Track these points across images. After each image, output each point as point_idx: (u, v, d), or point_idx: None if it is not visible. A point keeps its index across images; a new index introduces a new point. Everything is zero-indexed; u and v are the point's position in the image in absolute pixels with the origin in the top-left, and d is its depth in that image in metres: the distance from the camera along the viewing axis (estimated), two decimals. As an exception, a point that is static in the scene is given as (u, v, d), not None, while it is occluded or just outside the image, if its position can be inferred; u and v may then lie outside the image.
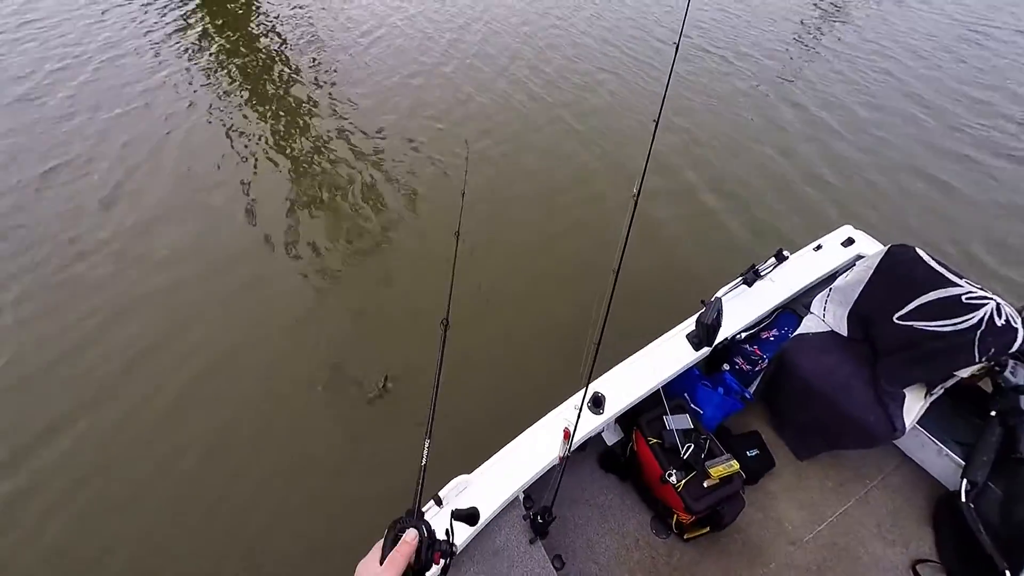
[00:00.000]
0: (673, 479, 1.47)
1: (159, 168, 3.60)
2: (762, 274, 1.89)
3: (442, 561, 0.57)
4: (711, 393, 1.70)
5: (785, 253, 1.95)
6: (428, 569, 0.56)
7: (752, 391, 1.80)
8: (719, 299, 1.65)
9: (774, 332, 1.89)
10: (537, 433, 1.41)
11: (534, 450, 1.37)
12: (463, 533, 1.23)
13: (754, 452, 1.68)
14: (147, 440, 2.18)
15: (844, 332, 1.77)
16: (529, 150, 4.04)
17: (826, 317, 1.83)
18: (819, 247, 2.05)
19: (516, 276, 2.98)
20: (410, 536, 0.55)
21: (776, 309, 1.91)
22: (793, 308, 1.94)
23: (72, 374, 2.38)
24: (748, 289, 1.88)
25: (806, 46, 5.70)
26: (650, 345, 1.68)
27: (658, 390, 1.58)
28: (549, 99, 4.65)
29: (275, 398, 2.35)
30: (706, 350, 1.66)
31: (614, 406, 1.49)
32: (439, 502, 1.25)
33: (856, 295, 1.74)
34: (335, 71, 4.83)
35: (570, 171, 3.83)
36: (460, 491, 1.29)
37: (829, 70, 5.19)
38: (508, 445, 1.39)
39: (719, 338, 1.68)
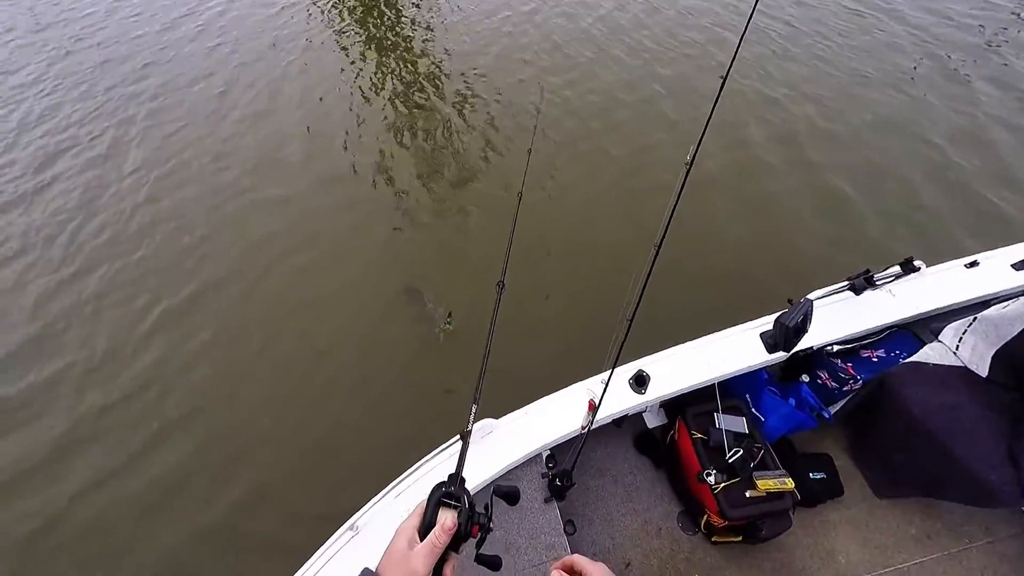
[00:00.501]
0: (711, 479, 1.38)
1: (276, 94, 4.15)
2: (878, 283, 1.58)
3: (479, 534, 0.55)
4: (779, 402, 1.52)
5: (917, 263, 1.59)
6: (465, 540, 0.55)
7: (833, 412, 1.57)
8: (810, 302, 1.43)
9: (880, 352, 1.59)
10: (569, 397, 1.39)
11: (563, 413, 1.36)
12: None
13: (820, 475, 1.49)
14: (258, 315, 2.68)
15: (983, 372, 1.42)
16: (618, 106, 3.79)
17: (960, 350, 1.48)
18: (974, 263, 1.63)
19: (584, 231, 2.93)
20: (449, 523, 0.52)
21: (890, 327, 1.59)
22: (915, 330, 1.60)
23: (208, 253, 3.00)
24: (854, 297, 1.59)
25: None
26: (715, 334, 1.53)
27: (713, 385, 1.46)
28: (645, 56, 4.25)
29: (356, 301, 2.69)
30: (781, 355, 1.46)
31: (658, 389, 1.41)
32: (465, 437, 1.27)
33: (1014, 333, 1.37)
34: (435, 14, 4.95)
35: (659, 132, 3.53)
36: (485, 434, 1.31)
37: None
38: (539, 401, 1.39)
39: (801, 345, 1.47)
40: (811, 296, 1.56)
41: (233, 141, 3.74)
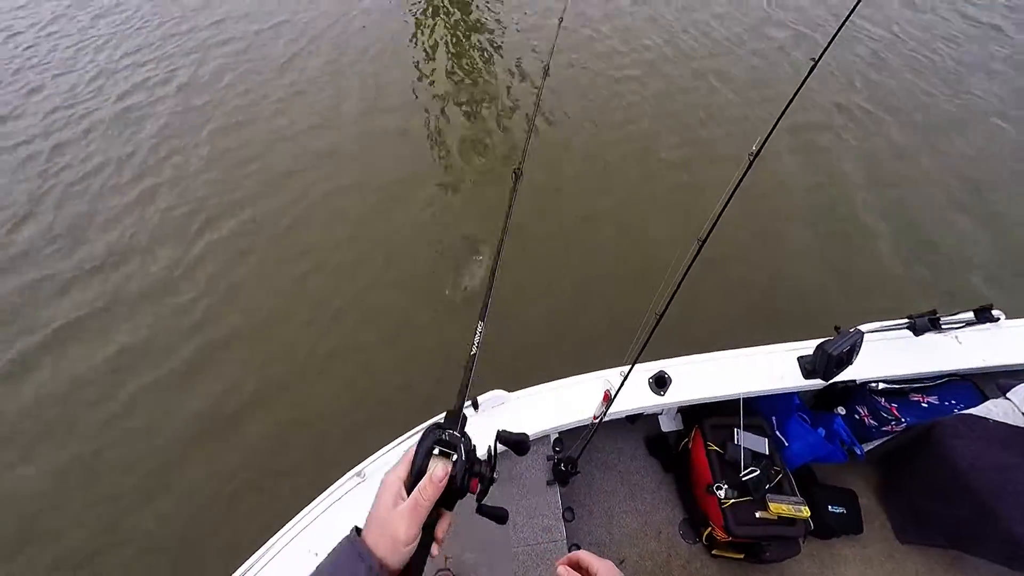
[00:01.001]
0: (721, 493, 1.37)
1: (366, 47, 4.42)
2: (943, 327, 1.46)
3: (479, 487, 0.46)
4: (807, 430, 1.46)
5: (996, 313, 1.45)
6: (462, 496, 0.46)
7: (867, 449, 1.49)
8: (860, 333, 1.35)
9: (932, 399, 1.48)
10: (586, 384, 1.38)
11: (577, 399, 1.35)
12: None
13: (839, 510, 1.43)
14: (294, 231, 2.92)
15: (1052, 436, 1.29)
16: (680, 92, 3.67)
17: (1029, 408, 1.34)
18: None
19: (635, 214, 2.89)
20: (438, 473, 0.43)
21: (949, 375, 1.48)
22: (978, 383, 1.48)
23: (257, 168, 3.29)
24: (912, 337, 1.48)
25: None
26: (748, 349, 1.48)
27: (738, 400, 1.42)
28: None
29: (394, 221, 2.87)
30: (817, 382, 1.40)
31: (679, 394, 1.39)
32: (476, 405, 1.28)
33: (1103, 398, 1.23)
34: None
35: (727, 125, 3.40)
36: (496, 404, 1.31)
37: None
38: (555, 382, 1.39)
39: (842, 376, 1.40)
40: (863, 328, 1.47)
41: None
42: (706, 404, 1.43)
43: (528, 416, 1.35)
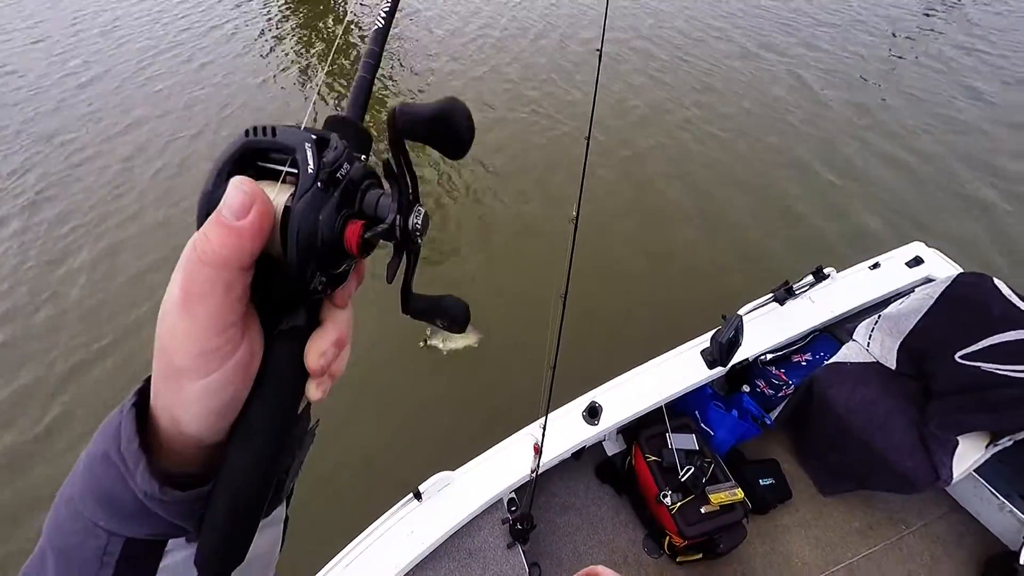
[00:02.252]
0: (668, 500, 1.45)
1: None
2: (797, 292, 1.75)
3: (362, 238, 0.22)
4: (723, 415, 1.63)
5: (827, 271, 1.78)
6: (332, 264, 0.22)
7: (774, 417, 1.69)
8: (739, 317, 1.57)
9: (807, 356, 1.75)
10: (517, 442, 1.42)
11: (514, 457, 1.39)
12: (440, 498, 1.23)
13: (768, 481, 1.58)
14: None
15: (891, 365, 1.59)
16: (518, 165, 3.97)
17: (871, 346, 1.65)
18: (876, 265, 1.84)
19: (499, 285, 2.83)
20: (234, 200, 0.19)
21: (813, 332, 1.76)
22: (834, 332, 1.78)
23: None
24: (779, 308, 1.75)
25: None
26: (660, 357, 1.63)
27: (661, 407, 1.55)
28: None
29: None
30: (720, 370, 1.58)
31: (612, 418, 1.48)
32: (418, 496, 1.27)
33: (911, 326, 1.55)
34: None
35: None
36: (442, 487, 1.32)
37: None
38: (495, 446, 1.43)
39: (738, 358, 1.60)
40: (741, 311, 1.71)
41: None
42: (638, 419, 1.53)
43: (476, 488, 1.36)
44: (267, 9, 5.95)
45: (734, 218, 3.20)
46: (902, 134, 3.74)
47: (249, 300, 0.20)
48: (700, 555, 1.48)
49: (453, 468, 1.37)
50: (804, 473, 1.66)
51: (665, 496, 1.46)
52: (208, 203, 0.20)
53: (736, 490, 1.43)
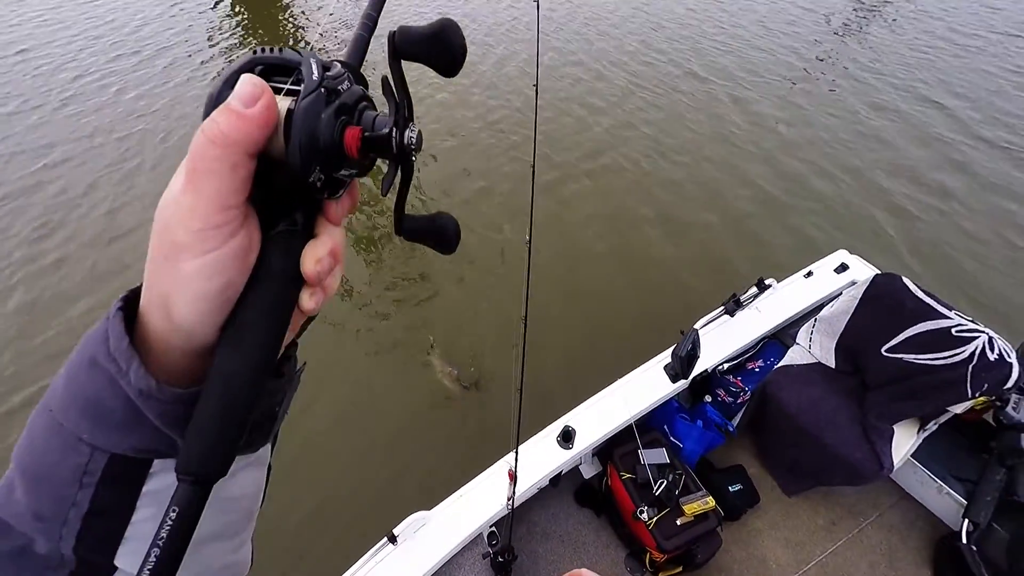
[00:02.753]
0: (645, 516, 1.49)
1: None
2: (744, 304, 1.91)
3: (361, 145, 0.23)
4: (689, 426, 1.72)
5: (768, 282, 1.96)
6: (328, 168, 0.22)
7: (736, 424, 1.79)
8: (695, 331, 1.70)
9: (759, 363, 1.89)
10: (492, 475, 1.44)
11: (490, 491, 1.39)
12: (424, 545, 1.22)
13: (737, 487, 1.66)
14: None
15: (831, 364, 1.75)
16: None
17: (812, 348, 1.81)
18: (810, 274, 2.05)
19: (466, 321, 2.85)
20: (245, 90, 0.20)
21: (762, 339, 1.91)
22: (780, 338, 1.94)
23: None
24: (730, 319, 1.90)
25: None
26: (627, 376, 1.72)
27: (631, 425, 1.62)
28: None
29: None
30: (683, 383, 1.69)
31: (585, 440, 1.53)
32: (393, 539, 1.25)
33: (843, 326, 1.73)
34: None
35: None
36: (418, 528, 1.31)
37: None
38: (471, 481, 1.43)
39: (697, 370, 1.71)
40: (696, 325, 1.85)
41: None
42: (611, 438, 1.59)
43: (453, 525, 1.35)
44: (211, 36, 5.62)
45: (691, 235, 3.45)
46: (829, 151, 4.21)
47: (249, 198, 0.20)
48: (680, 568, 1.51)
49: (428, 507, 1.36)
50: (768, 475, 1.75)
51: (642, 512, 1.50)
52: (215, 103, 0.21)
53: (708, 499, 1.50)
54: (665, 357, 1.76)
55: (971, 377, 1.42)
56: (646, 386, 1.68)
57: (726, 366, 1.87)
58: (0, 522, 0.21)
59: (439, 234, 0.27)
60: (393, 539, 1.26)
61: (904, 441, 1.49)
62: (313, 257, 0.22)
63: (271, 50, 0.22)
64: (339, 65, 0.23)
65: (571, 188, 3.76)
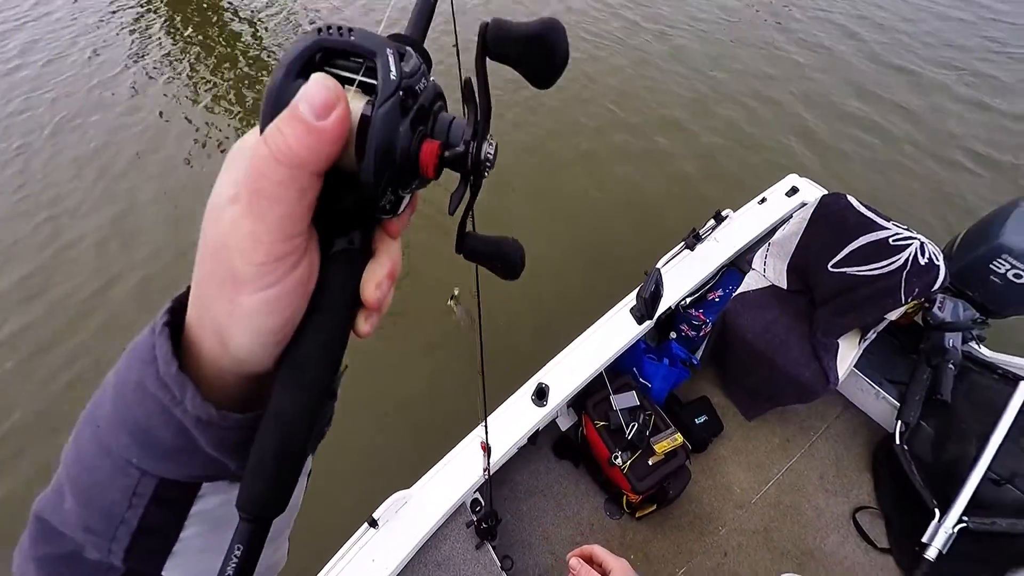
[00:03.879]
0: (619, 461, 1.48)
1: None
2: (703, 237, 1.87)
3: (439, 162, 0.21)
4: (656, 366, 1.71)
5: (724, 213, 1.93)
6: (404, 186, 0.21)
7: (699, 356, 1.82)
8: (657, 270, 1.63)
9: (720, 292, 1.90)
10: (465, 448, 1.39)
11: (473, 458, 1.35)
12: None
13: (703, 419, 1.72)
14: None
15: (784, 285, 1.80)
16: None
17: (767, 272, 1.85)
18: (763, 200, 2.05)
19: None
20: (316, 94, 0.17)
21: (721, 268, 1.91)
22: (738, 265, 1.95)
23: None
24: (691, 254, 1.86)
25: None
26: (596, 323, 1.65)
27: (602, 373, 1.56)
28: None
29: None
30: (649, 323, 1.64)
31: (559, 394, 1.46)
32: (374, 523, 1.22)
33: (794, 247, 1.76)
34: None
35: None
36: (399, 507, 1.27)
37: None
38: (447, 455, 1.37)
39: (662, 308, 1.67)
40: (659, 264, 1.79)
41: None
42: (584, 388, 1.53)
43: (435, 499, 1.30)
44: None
45: (649, 175, 3.38)
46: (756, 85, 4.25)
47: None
48: (655, 506, 1.55)
49: (408, 486, 1.29)
50: (731, 403, 1.83)
51: (616, 457, 1.49)
52: (276, 100, 0.18)
53: (676, 435, 1.51)
54: (631, 300, 1.69)
55: (905, 283, 1.51)
56: (614, 331, 1.62)
57: (688, 300, 1.85)
58: (53, 528, 0.21)
59: (504, 260, 0.25)
60: (374, 523, 1.20)
61: (847, 353, 1.59)
62: (373, 281, 0.21)
63: (339, 31, 0.19)
64: (413, 55, 0.20)
65: (514, 148, 3.46)
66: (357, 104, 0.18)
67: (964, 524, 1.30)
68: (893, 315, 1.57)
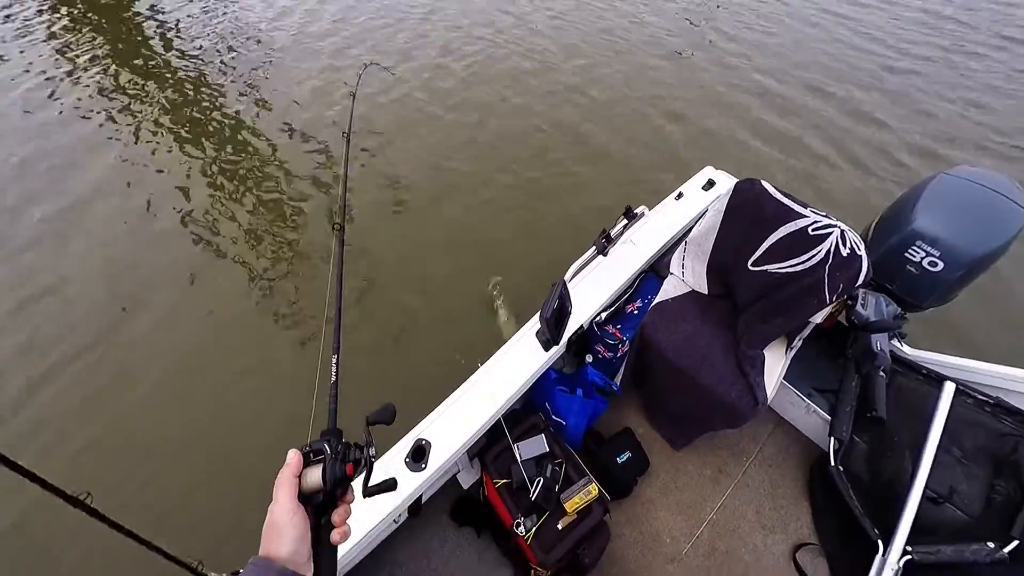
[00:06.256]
0: (521, 529, 1.23)
1: None
2: (615, 239, 1.66)
3: (358, 471, 0.55)
4: (569, 399, 1.47)
5: (638, 210, 1.73)
6: (342, 484, 0.53)
7: (619, 381, 1.61)
8: (562, 281, 1.38)
9: (638, 303, 1.70)
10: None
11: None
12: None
13: (625, 457, 1.50)
14: None
15: (704, 290, 1.62)
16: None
17: (685, 275, 1.66)
18: (680, 195, 1.88)
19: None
20: (289, 456, 0.52)
21: (639, 275, 1.71)
22: (657, 270, 1.76)
23: None
24: (604, 260, 1.64)
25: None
26: (495, 356, 1.37)
27: (499, 420, 1.29)
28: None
29: None
30: (556, 349, 1.39)
31: (445, 451, 1.18)
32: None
33: (711, 245, 1.59)
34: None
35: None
36: None
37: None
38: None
39: (572, 327, 1.43)
40: (566, 276, 1.55)
41: None
42: (488, 433, 1.28)
43: None
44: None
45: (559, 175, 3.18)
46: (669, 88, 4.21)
47: (306, 511, 0.51)
48: (569, 578, 1.30)
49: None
50: (656, 433, 1.62)
51: (519, 525, 1.23)
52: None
53: (590, 486, 1.28)
54: (534, 322, 1.44)
55: (828, 279, 1.36)
56: (518, 364, 1.35)
57: (604, 315, 1.63)
58: None
59: (385, 487, 0.63)
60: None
61: (774, 365, 1.42)
62: (340, 519, 0.52)
63: (312, 446, 0.55)
64: (326, 446, 0.55)
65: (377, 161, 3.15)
66: (297, 453, 0.53)
67: (909, 556, 1.14)
68: (819, 317, 1.42)
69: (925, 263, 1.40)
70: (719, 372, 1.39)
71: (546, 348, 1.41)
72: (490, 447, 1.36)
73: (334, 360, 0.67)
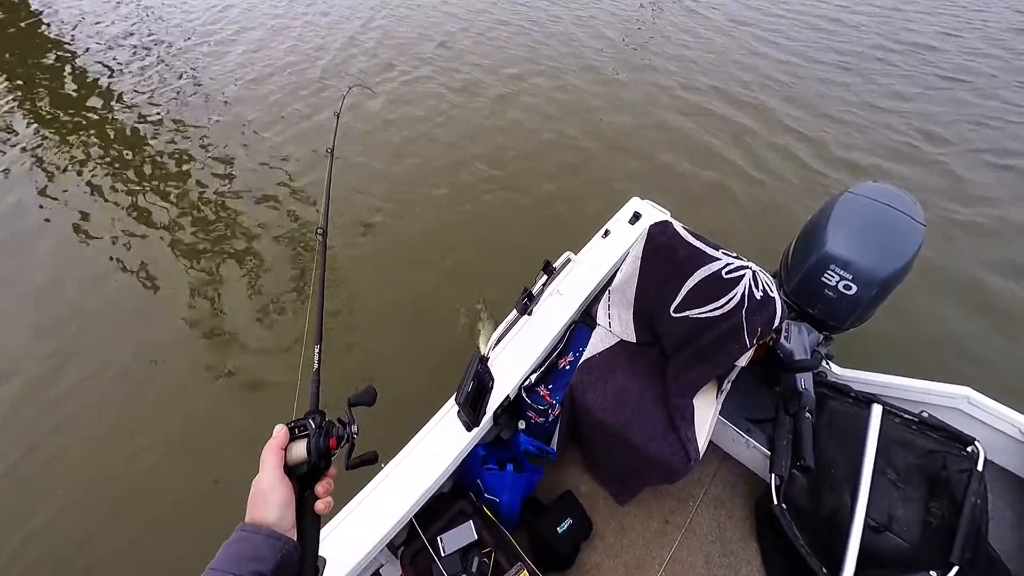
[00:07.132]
0: (449, 639, 1.19)
1: None
2: (537, 297, 1.61)
3: (341, 445, 0.60)
4: (499, 476, 1.43)
5: (564, 256, 1.68)
6: (325, 457, 0.57)
7: (555, 444, 1.57)
8: (474, 354, 1.35)
9: (570, 357, 1.66)
10: None
11: None
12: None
13: (567, 523, 1.47)
14: None
15: (633, 339, 1.58)
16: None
17: (612, 325, 1.63)
18: (607, 232, 1.82)
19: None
20: (276, 430, 0.56)
21: (568, 327, 1.66)
22: (586, 321, 1.72)
23: None
24: (529, 320, 1.59)
25: None
26: (407, 446, 1.33)
27: (410, 520, 1.26)
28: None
29: None
30: (477, 431, 1.35)
31: (351, 559, 1.13)
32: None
33: (634, 292, 1.54)
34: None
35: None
36: None
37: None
38: None
39: (496, 400, 1.40)
40: (483, 349, 1.50)
41: None
42: (409, 528, 1.24)
43: None
44: None
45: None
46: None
47: (291, 479, 0.55)
48: None
49: None
50: (599, 494, 1.59)
51: (446, 635, 1.20)
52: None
53: (520, 572, 1.24)
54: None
55: (746, 322, 1.33)
56: (442, 449, 1.31)
57: (534, 377, 1.59)
58: None
59: (366, 461, 0.65)
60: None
61: (705, 414, 1.39)
62: (324, 489, 0.57)
63: (298, 421, 0.59)
64: (311, 422, 0.59)
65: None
66: (283, 427, 0.57)
67: None
68: (743, 360, 1.38)
69: (840, 287, 1.36)
70: (650, 428, 1.35)
71: (468, 429, 1.37)
72: (411, 542, 1.30)
73: (317, 349, 0.72)
